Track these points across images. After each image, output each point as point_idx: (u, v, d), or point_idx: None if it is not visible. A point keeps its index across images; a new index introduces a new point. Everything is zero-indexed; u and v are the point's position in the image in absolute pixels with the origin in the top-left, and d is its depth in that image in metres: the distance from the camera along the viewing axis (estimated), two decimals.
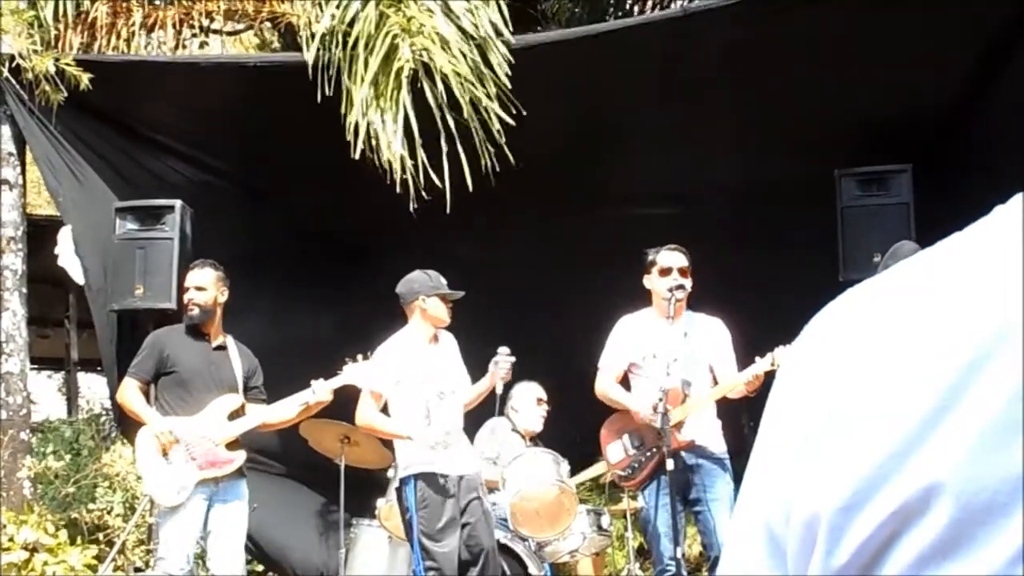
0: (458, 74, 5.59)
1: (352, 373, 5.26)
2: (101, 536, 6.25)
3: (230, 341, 5.38)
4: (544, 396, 6.50)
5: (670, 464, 4.74)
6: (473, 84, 5.60)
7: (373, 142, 5.65)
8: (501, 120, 5.64)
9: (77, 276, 6.34)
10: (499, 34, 5.81)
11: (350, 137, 5.66)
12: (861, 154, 6.10)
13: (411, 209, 5.56)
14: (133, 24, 6.57)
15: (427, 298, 5.22)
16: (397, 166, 5.59)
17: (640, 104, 6.47)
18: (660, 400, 4.75)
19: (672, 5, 8.94)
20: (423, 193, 5.54)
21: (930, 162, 6.13)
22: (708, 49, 6.03)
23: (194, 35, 6.98)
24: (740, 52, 6.03)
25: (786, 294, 5.48)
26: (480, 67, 5.67)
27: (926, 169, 6.04)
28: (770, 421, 0.62)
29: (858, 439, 0.54)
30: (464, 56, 5.66)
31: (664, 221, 6.77)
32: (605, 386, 5.24)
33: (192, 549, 5.10)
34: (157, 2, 6.66)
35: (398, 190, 5.56)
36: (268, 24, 7.03)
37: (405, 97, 5.63)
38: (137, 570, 6.20)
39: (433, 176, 5.54)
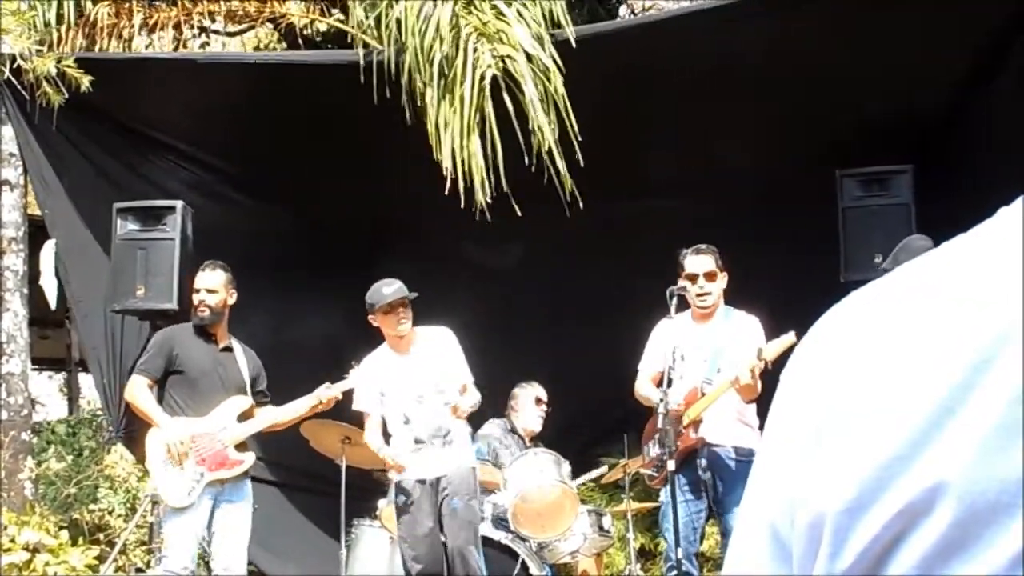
0: (543, 80, 5.62)
1: (357, 378, 5.29)
2: (102, 536, 6.25)
3: (235, 343, 5.39)
4: (543, 396, 6.50)
5: (671, 465, 4.74)
6: (555, 95, 5.60)
7: (439, 143, 5.64)
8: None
9: (51, 299, 6.35)
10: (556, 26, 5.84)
11: (436, 149, 5.64)
12: (862, 154, 6.10)
13: (483, 217, 5.57)
14: (134, 25, 6.58)
15: (372, 316, 5.21)
16: (475, 176, 5.61)
17: (641, 104, 6.46)
18: (661, 401, 4.74)
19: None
20: (486, 197, 5.56)
21: (931, 163, 6.13)
22: (709, 51, 6.03)
23: (195, 35, 6.99)
24: (740, 54, 6.03)
25: (786, 294, 5.49)
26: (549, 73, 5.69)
27: (927, 170, 6.04)
28: (775, 421, 0.62)
29: (863, 440, 0.54)
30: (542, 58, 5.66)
31: (665, 221, 6.78)
32: (639, 386, 5.25)
33: (195, 548, 5.11)
34: (158, 3, 6.67)
35: (479, 202, 5.57)
36: (269, 25, 7.04)
37: (488, 107, 5.63)
38: (138, 570, 6.20)
39: (511, 194, 5.56)
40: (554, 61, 5.70)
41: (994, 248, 0.56)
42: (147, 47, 6.74)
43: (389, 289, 5.13)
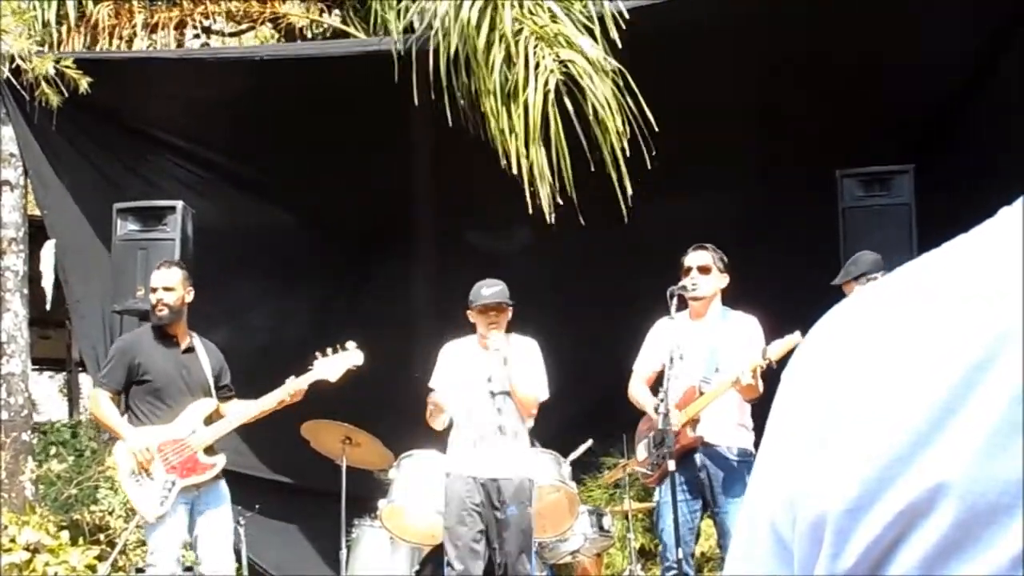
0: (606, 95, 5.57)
1: (323, 368, 5.24)
2: (102, 537, 6.26)
3: (196, 341, 5.28)
4: None
5: (671, 465, 4.73)
6: (610, 104, 5.55)
7: (504, 149, 5.62)
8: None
9: (49, 299, 6.35)
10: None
11: (504, 153, 5.63)
12: (862, 154, 6.10)
13: (550, 221, 5.58)
14: (135, 25, 6.58)
15: (469, 312, 5.21)
16: (536, 177, 5.59)
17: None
18: (661, 401, 4.74)
19: None
20: (557, 198, 5.54)
21: (931, 163, 6.13)
22: (707, 51, 6.02)
23: (195, 36, 7.00)
24: (740, 55, 6.03)
25: (786, 294, 5.49)
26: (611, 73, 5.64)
27: (927, 170, 6.04)
28: (777, 421, 0.62)
29: (865, 441, 0.54)
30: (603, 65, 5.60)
31: (666, 222, 6.77)
32: (632, 388, 5.24)
33: (179, 555, 5.08)
34: (158, 3, 6.67)
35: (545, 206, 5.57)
36: (269, 25, 7.04)
37: (553, 111, 5.58)
38: (138, 571, 6.20)
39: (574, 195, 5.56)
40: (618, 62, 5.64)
41: (998, 247, 0.55)
42: (148, 47, 6.75)
43: (489, 291, 5.16)
